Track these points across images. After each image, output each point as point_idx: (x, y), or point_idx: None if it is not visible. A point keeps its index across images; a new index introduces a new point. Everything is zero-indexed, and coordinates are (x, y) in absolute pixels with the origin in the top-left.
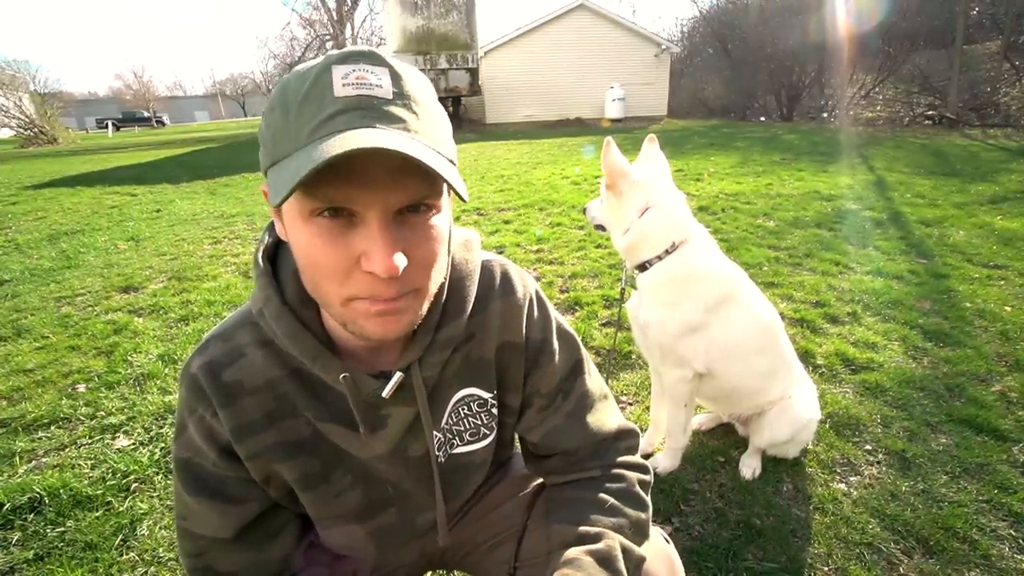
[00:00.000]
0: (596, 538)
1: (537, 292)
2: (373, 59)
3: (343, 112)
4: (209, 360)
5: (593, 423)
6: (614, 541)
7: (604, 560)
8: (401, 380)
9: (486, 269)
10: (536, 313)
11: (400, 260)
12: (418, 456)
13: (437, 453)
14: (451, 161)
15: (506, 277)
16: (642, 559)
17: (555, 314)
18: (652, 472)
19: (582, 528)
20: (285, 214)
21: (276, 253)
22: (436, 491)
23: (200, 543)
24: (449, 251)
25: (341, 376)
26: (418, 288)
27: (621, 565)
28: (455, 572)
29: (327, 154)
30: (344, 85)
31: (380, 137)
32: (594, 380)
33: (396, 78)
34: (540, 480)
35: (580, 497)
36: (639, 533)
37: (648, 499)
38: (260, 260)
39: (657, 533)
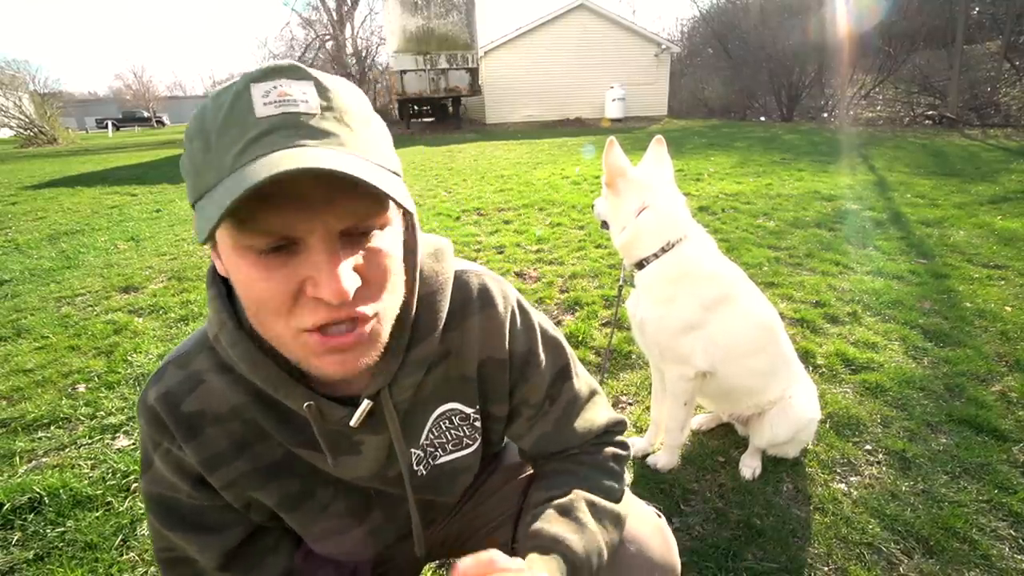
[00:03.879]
0: (562, 496)
1: (519, 302)
2: (295, 73)
3: (267, 133)
4: (166, 390)
5: (581, 425)
6: (577, 496)
7: (565, 510)
8: (371, 407)
9: (460, 281)
10: (519, 325)
11: (351, 282)
12: (396, 475)
13: (418, 468)
14: (395, 173)
15: (484, 290)
16: (617, 514)
17: (539, 320)
18: (630, 449)
19: (554, 491)
20: (221, 248)
21: None
22: (411, 509)
23: (187, 572)
24: (416, 265)
25: (305, 405)
26: (372, 313)
27: (582, 514)
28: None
29: (251, 181)
30: (265, 104)
31: (311, 156)
32: (582, 381)
33: (323, 91)
34: (529, 468)
35: (557, 468)
36: (610, 498)
37: (623, 471)
38: (211, 281)
39: (651, 510)
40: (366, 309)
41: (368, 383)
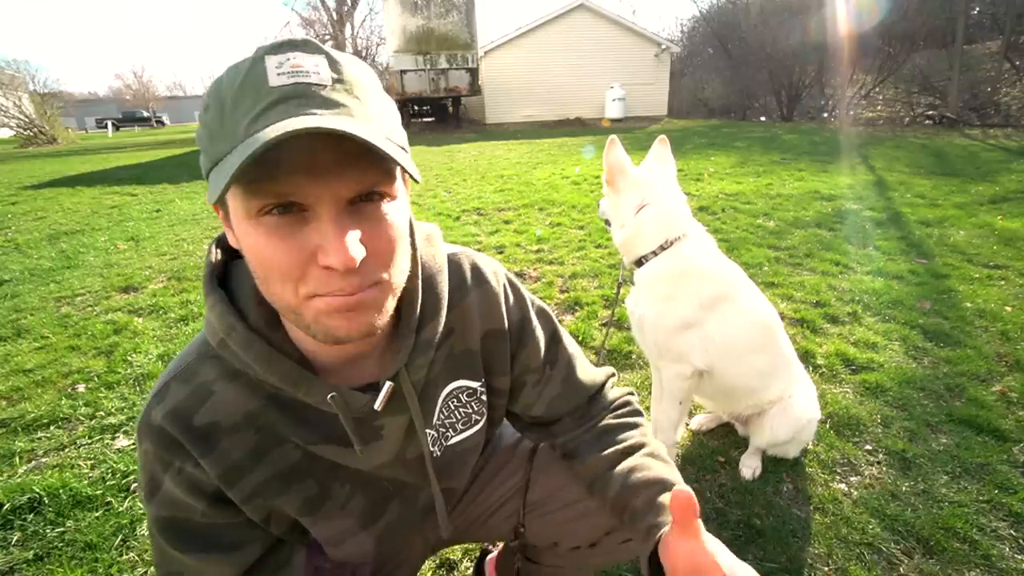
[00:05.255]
0: (640, 445)
1: (508, 276)
2: (307, 47)
3: (280, 102)
4: (173, 407)
5: (584, 378)
6: (653, 443)
7: (657, 456)
8: (391, 389)
9: (453, 263)
10: (512, 297)
11: (358, 251)
12: (415, 457)
13: (433, 449)
14: (402, 148)
15: (476, 268)
16: (664, 450)
17: (526, 291)
18: (635, 392)
19: (622, 445)
20: (233, 216)
21: (225, 275)
22: (433, 489)
23: None
24: (413, 244)
25: (329, 396)
26: (380, 280)
27: (667, 457)
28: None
29: (259, 143)
30: (279, 74)
31: (319, 121)
32: (568, 341)
33: (334, 64)
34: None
35: (603, 429)
36: (650, 434)
37: (641, 412)
38: (211, 286)
39: None
40: (372, 278)
41: (379, 369)
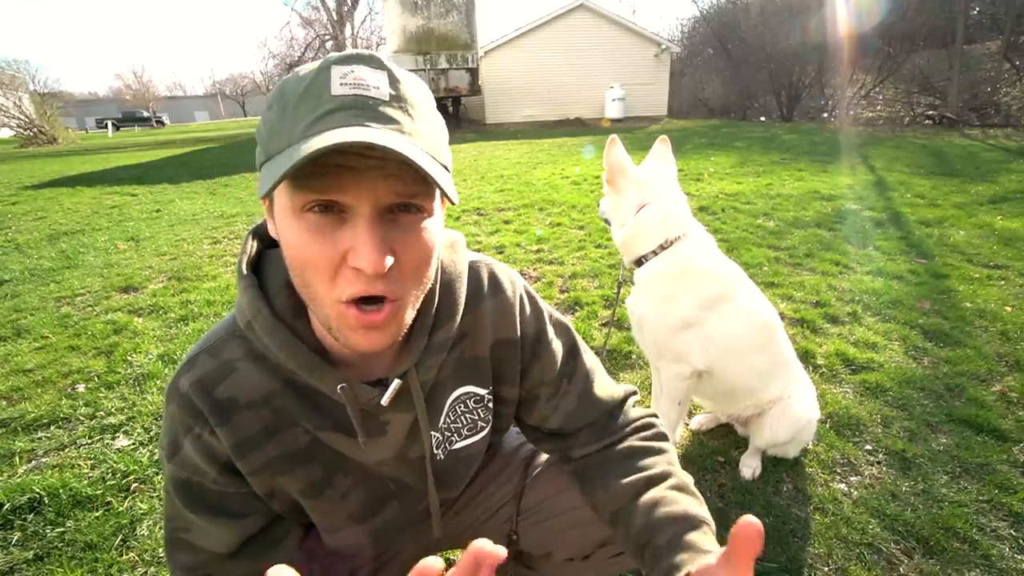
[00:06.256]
0: (666, 475)
1: (526, 287)
2: (372, 62)
3: (338, 110)
4: (199, 377)
5: (602, 393)
6: (679, 473)
7: (684, 488)
8: (399, 387)
9: (473, 270)
10: (528, 309)
11: (388, 256)
12: (417, 457)
13: (436, 452)
14: (445, 167)
15: (493, 277)
16: (690, 480)
17: (545, 304)
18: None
19: (645, 473)
20: (276, 209)
21: (259, 263)
22: (430, 491)
23: (200, 556)
24: (439, 255)
25: (339, 387)
26: (404, 295)
27: (694, 488)
28: None
29: (313, 149)
30: (341, 84)
31: (370, 134)
32: (589, 356)
33: (394, 81)
34: (528, 445)
35: (625, 452)
36: (676, 462)
37: (669, 443)
38: (244, 271)
39: None
40: (397, 291)
41: (392, 366)
